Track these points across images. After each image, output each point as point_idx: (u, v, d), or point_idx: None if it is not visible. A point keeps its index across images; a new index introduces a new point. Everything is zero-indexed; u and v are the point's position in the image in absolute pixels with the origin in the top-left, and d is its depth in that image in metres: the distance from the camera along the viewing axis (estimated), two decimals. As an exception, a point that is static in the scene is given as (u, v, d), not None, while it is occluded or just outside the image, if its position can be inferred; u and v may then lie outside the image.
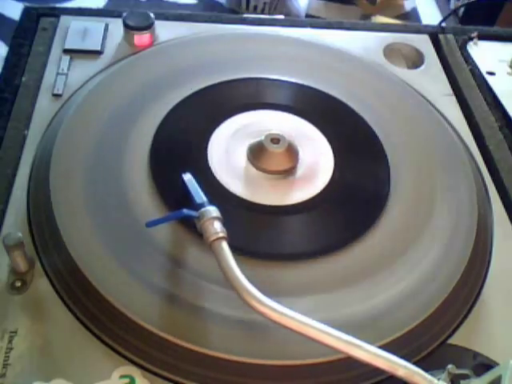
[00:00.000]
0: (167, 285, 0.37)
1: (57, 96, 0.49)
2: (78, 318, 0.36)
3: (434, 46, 0.61)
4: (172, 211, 0.39)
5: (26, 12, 0.58)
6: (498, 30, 0.65)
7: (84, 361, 0.34)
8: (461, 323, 0.39)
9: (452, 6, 1.48)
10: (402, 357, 0.30)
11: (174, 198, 0.41)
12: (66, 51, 0.53)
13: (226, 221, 0.36)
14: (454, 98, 0.55)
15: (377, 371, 0.31)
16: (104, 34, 0.56)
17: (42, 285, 0.37)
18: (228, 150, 0.45)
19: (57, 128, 0.45)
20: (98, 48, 0.54)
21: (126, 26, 0.54)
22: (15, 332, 0.35)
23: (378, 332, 0.36)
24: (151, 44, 0.55)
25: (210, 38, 0.56)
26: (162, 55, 0.53)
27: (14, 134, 0.46)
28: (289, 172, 0.45)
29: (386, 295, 0.38)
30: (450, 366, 0.31)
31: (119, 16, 0.55)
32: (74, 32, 0.55)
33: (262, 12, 1.45)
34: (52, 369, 0.33)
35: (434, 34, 0.62)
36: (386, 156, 0.47)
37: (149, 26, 0.55)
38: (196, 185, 0.39)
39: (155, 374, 0.34)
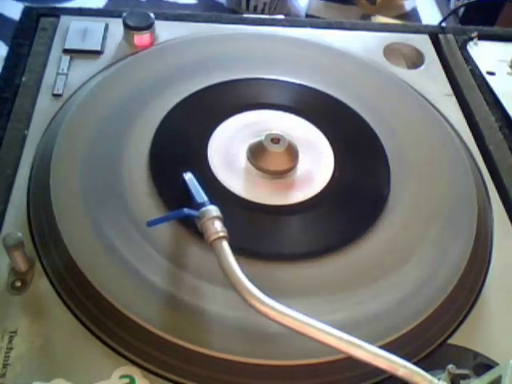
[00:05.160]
0: (167, 284, 0.37)
1: (57, 96, 0.49)
2: (78, 318, 0.36)
3: (434, 46, 0.61)
4: (172, 211, 0.39)
5: (26, 12, 0.58)
6: (498, 29, 0.65)
7: (84, 361, 0.34)
8: (461, 323, 0.39)
9: (452, 6, 1.48)
10: (402, 357, 0.30)
11: (173, 197, 0.41)
12: (65, 51, 0.53)
13: (225, 220, 0.36)
14: (454, 98, 0.55)
15: (377, 371, 0.31)
16: (104, 33, 0.56)
17: (42, 285, 0.37)
18: (228, 149, 0.45)
19: (57, 128, 0.45)
20: (98, 48, 0.54)
21: (125, 25, 0.54)
22: (15, 332, 0.35)
23: (378, 332, 0.36)
24: (151, 44, 0.55)
25: (210, 38, 0.56)
26: (162, 55, 0.53)
27: (14, 134, 0.46)
28: (289, 172, 0.45)
29: (385, 295, 0.38)
30: (450, 366, 0.31)
31: (119, 16, 0.55)
32: (74, 32, 0.55)
33: (262, 12, 1.45)
34: (52, 369, 0.33)
35: (434, 34, 0.62)
36: (386, 156, 0.47)
37: (149, 26, 0.55)
38: (197, 184, 0.39)
39: (155, 373, 0.34)
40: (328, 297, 0.38)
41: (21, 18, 0.57)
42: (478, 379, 0.30)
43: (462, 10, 1.39)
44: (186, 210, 0.36)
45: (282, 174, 0.44)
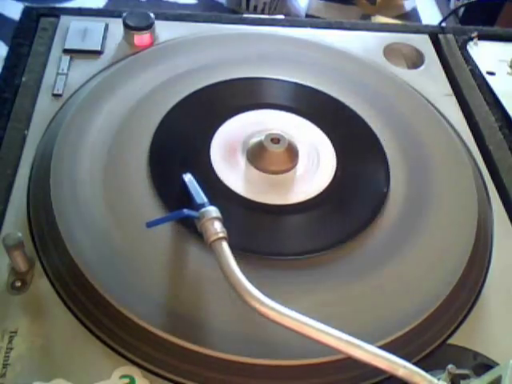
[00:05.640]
0: (167, 285, 0.37)
1: (57, 96, 0.49)
2: (78, 318, 0.36)
3: (434, 46, 0.61)
4: (172, 211, 0.39)
5: (26, 12, 0.58)
6: (498, 29, 0.65)
7: (84, 361, 0.34)
8: (461, 323, 0.39)
9: (452, 6, 1.48)
10: (402, 357, 0.30)
11: (173, 198, 0.41)
12: (66, 51, 0.53)
13: (226, 220, 0.36)
14: (454, 98, 0.55)
15: (377, 371, 0.31)
16: (104, 33, 0.56)
17: (42, 285, 0.37)
18: (228, 149, 0.45)
19: (57, 128, 0.45)
20: (98, 48, 0.54)
21: (125, 25, 0.54)
22: (15, 332, 0.35)
23: (378, 332, 0.36)
24: (151, 44, 0.55)
25: (210, 37, 0.56)
26: (162, 55, 0.53)
27: (14, 134, 0.46)
28: (289, 172, 0.45)
29: (385, 295, 0.38)
30: (450, 366, 0.31)
31: (119, 16, 0.55)
32: (74, 32, 0.55)
33: (262, 12, 1.45)
34: (52, 369, 0.33)
35: (434, 34, 0.62)
36: (385, 156, 0.47)
37: (149, 26, 0.55)
38: (196, 185, 0.39)
39: (155, 374, 0.34)
40: (328, 296, 0.38)
41: (21, 18, 0.57)
42: (478, 379, 0.30)
43: (462, 9, 1.39)
44: (185, 211, 0.36)
45: (282, 174, 0.44)
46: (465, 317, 0.39)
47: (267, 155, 0.44)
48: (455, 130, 0.52)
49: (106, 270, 0.37)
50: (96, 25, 0.56)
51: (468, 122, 0.53)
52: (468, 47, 0.61)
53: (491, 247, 0.43)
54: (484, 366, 0.35)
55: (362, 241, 0.41)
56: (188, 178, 0.40)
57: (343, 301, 0.37)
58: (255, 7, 1.45)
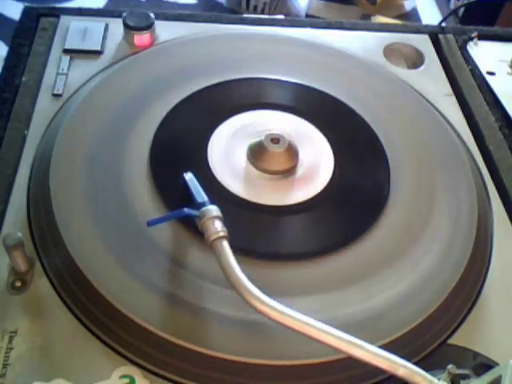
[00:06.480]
0: (167, 284, 0.37)
1: (57, 96, 0.49)
2: (78, 318, 0.36)
3: (434, 46, 0.61)
4: (172, 211, 0.39)
5: (26, 12, 0.58)
6: (498, 29, 0.65)
7: (84, 361, 0.34)
8: (461, 323, 0.39)
9: (452, 6, 1.48)
10: (402, 357, 0.30)
11: (174, 197, 0.41)
12: (66, 51, 0.53)
13: (226, 221, 0.36)
14: (454, 98, 0.55)
15: (377, 371, 0.31)
16: (104, 33, 0.56)
17: (42, 285, 0.37)
18: (228, 150, 0.45)
19: (57, 128, 0.45)
20: (98, 48, 0.54)
21: (126, 26, 0.54)
22: (15, 332, 0.35)
23: (378, 332, 0.36)
24: (151, 44, 0.55)
25: (210, 37, 0.56)
26: (162, 55, 0.53)
27: (14, 134, 0.46)
28: (289, 172, 0.45)
29: (386, 295, 0.38)
30: (450, 366, 0.31)
31: (119, 16, 0.55)
32: (74, 32, 0.55)
33: (262, 12, 1.45)
34: (52, 369, 0.33)
35: (434, 34, 0.62)
36: (386, 156, 0.47)
37: (149, 26, 0.55)
38: (197, 184, 0.39)
39: (155, 374, 0.34)
40: (328, 296, 0.38)
41: (21, 18, 0.57)
42: (478, 379, 0.30)
43: (462, 9, 1.39)
44: (186, 210, 0.36)
45: (282, 174, 0.44)
46: (465, 317, 0.39)
47: (267, 155, 0.44)
48: (455, 130, 0.52)
49: (106, 270, 0.37)
50: (96, 25, 0.56)
51: (468, 122, 0.53)
52: (468, 47, 0.61)
53: (491, 247, 0.43)
54: (484, 365, 0.35)
55: (361, 241, 0.41)
56: (189, 176, 0.40)
57: (343, 301, 0.37)
58: (255, 7, 1.45)
